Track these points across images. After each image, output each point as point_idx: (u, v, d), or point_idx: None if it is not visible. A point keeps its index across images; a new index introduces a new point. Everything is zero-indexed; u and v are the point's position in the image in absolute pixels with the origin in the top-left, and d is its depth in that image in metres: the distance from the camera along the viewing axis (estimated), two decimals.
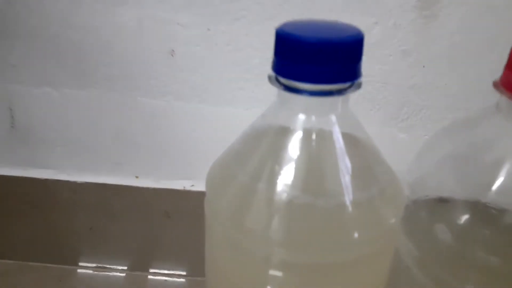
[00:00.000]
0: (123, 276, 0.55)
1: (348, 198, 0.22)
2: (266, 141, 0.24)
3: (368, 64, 0.43)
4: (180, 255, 0.53)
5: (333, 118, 0.23)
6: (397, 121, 0.46)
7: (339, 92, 0.22)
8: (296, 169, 0.23)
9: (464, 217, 0.26)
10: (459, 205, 0.26)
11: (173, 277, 0.55)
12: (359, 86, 0.22)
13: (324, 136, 0.23)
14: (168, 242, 0.53)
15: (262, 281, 0.24)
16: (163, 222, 0.51)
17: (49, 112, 0.48)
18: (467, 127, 0.28)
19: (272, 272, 0.24)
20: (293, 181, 0.22)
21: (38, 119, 0.48)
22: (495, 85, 0.25)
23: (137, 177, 0.51)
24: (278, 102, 0.24)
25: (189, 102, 0.46)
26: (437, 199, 0.27)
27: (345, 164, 0.23)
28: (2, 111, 0.48)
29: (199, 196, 0.50)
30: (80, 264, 0.55)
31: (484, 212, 0.25)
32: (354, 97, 0.23)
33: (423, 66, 0.43)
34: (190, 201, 0.50)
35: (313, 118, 0.23)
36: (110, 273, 0.55)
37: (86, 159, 0.50)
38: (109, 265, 0.55)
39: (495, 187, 0.25)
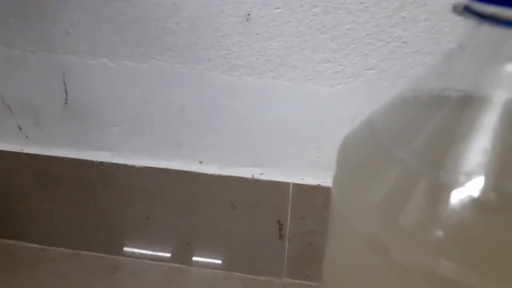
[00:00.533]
0: (179, 268, 0.50)
1: None
2: (444, 111, 0.17)
3: None
4: (243, 251, 0.48)
5: None
6: None
7: None
8: (493, 154, 0.15)
9: None
10: None
11: (232, 273, 0.49)
12: None
13: None
14: (233, 236, 0.47)
15: None
16: (227, 213, 0.46)
17: (105, 87, 0.42)
18: None
19: None
20: (487, 171, 0.15)
21: (94, 95, 0.43)
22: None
23: (200, 162, 0.45)
24: (465, 52, 0.16)
25: (264, 77, 0.39)
26: None
27: None
28: (55, 85, 0.43)
29: (269, 186, 0.44)
30: (135, 255, 0.51)
31: None
32: None
33: None
34: (259, 191, 0.44)
35: None
36: (165, 266, 0.50)
37: (145, 140, 0.45)
38: (166, 258, 0.50)
39: None
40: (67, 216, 0.50)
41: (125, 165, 0.45)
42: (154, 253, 0.50)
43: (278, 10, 0.36)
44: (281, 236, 0.46)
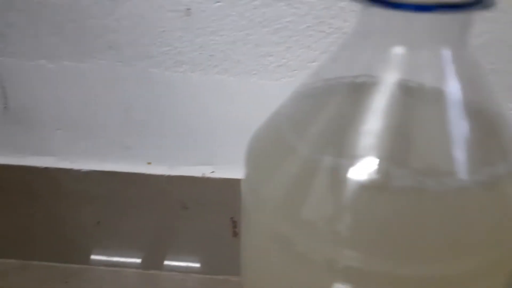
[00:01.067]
0: (136, 273, 0.49)
1: (463, 178, 0.15)
2: (337, 98, 0.17)
3: None
4: (198, 251, 0.47)
5: (447, 56, 0.16)
6: None
7: (462, 7, 0.14)
8: (385, 136, 0.15)
9: None
10: None
11: (190, 274, 0.48)
12: (491, 3, 0.15)
13: (429, 89, 0.16)
14: (185, 237, 0.46)
15: None
16: (179, 214, 0.45)
17: (46, 89, 0.41)
18: None
19: (338, 285, 0.17)
20: (380, 154, 0.15)
21: (35, 98, 0.42)
22: None
23: (149, 163, 0.44)
24: (356, 37, 0.16)
25: (208, 73, 0.39)
26: None
27: (459, 130, 0.15)
28: None
29: (220, 183, 0.43)
30: (88, 262, 0.49)
31: None
32: None
33: None
34: (210, 190, 0.43)
35: (415, 57, 0.16)
36: (121, 271, 0.49)
37: (90, 143, 0.43)
38: (120, 262, 0.48)
39: None
40: (13, 225, 0.48)
41: (71, 170, 0.44)
42: (107, 258, 0.49)
43: (219, 4, 0.36)
44: (235, 234, 0.45)
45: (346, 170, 0.15)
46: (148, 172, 0.43)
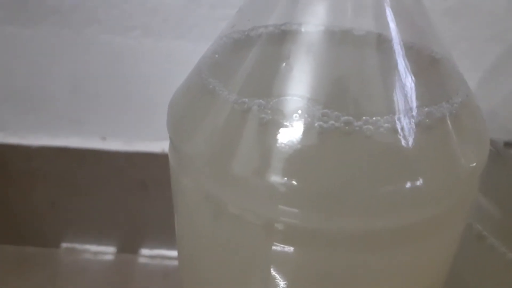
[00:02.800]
0: (93, 256, 0.47)
1: (412, 119, 0.13)
2: (262, 46, 0.15)
3: None
4: (161, 234, 0.45)
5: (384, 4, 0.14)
6: None
7: None
8: (316, 81, 0.13)
9: None
10: None
11: (155, 259, 0.46)
12: None
13: (364, 35, 0.14)
14: (146, 218, 0.44)
15: (261, 264, 0.16)
16: (139, 194, 0.43)
17: None
18: None
19: (278, 248, 0.15)
20: (320, 97, 0.13)
21: None
22: None
23: (104, 138, 0.42)
24: None
25: (163, 39, 0.36)
26: None
27: (400, 73, 0.14)
28: None
29: None
30: (43, 244, 0.47)
31: None
32: None
33: None
34: None
35: (345, 5, 0.14)
36: (78, 254, 0.47)
37: (40, 117, 0.41)
38: (76, 246, 0.47)
39: None
40: None
41: (20, 146, 0.41)
42: (64, 245, 0.47)
43: None
44: None
45: (276, 116, 0.13)
46: (102, 148, 0.41)
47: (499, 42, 0.34)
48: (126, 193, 0.43)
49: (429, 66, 0.15)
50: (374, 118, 0.13)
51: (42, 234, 0.46)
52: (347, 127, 0.13)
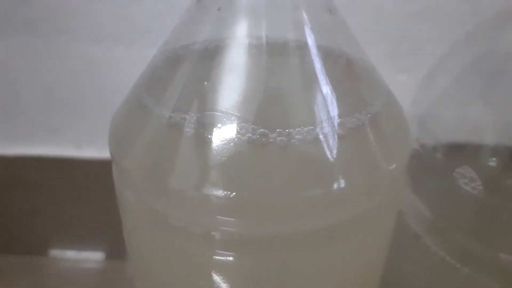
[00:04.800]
0: (78, 264, 0.48)
1: (326, 130, 0.15)
2: (192, 60, 0.16)
3: None
4: None
5: (300, 16, 0.15)
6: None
7: None
8: (241, 93, 0.15)
9: (496, 161, 0.18)
10: (487, 148, 0.19)
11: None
12: None
13: (286, 45, 0.16)
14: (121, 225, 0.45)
15: (203, 271, 0.17)
16: (114, 200, 0.44)
17: None
18: (496, 30, 0.20)
19: (218, 256, 0.16)
20: (237, 110, 0.15)
21: None
22: None
23: (79, 146, 0.43)
24: (201, 3, 0.16)
25: (133, 47, 0.38)
26: (458, 145, 0.20)
27: (317, 84, 0.15)
28: None
29: None
30: (26, 253, 0.48)
31: None
32: None
33: None
34: None
35: (267, 15, 0.15)
36: (63, 262, 0.48)
37: (17, 127, 0.42)
38: (60, 253, 0.48)
39: None
40: None
41: None
42: (45, 254, 0.48)
43: None
44: None
45: (198, 130, 0.15)
46: (78, 156, 0.42)
47: (463, 46, 0.36)
48: (104, 200, 0.45)
49: (349, 73, 0.17)
50: (287, 130, 0.14)
51: (25, 242, 0.48)
52: (263, 139, 0.14)
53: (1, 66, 0.39)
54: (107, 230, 0.47)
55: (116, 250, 0.48)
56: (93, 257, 0.49)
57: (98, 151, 0.43)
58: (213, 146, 0.15)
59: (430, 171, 0.21)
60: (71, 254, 0.49)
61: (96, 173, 0.43)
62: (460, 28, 0.36)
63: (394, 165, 0.16)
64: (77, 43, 0.38)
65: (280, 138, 0.14)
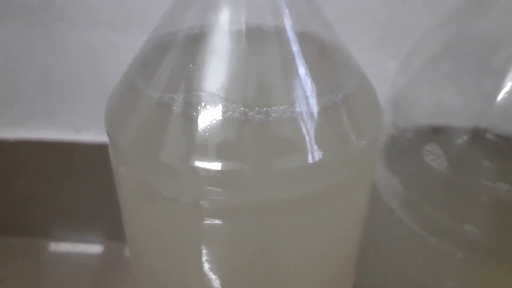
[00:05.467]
0: (78, 247, 0.50)
1: (301, 109, 0.17)
2: (179, 44, 0.18)
3: None
4: None
5: (280, 3, 0.17)
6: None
7: None
8: (225, 74, 0.17)
9: (462, 140, 0.20)
10: (454, 129, 0.20)
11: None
12: None
13: (266, 30, 0.17)
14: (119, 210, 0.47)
15: (194, 238, 0.19)
16: (112, 185, 0.46)
17: None
18: (467, 16, 0.21)
19: (208, 222, 0.18)
20: (222, 89, 0.16)
21: None
22: None
23: (77, 130, 0.45)
24: None
25: (130, 32, 0.39)
26: (428, 126, 0.22)
27: (296, 64, 0.17)
28: None
29: None
30: (25, 235, 0.50)
31: (486, 138, 0.20)
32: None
33: None
34: None
35: (244, 6, 0.17)
36: (62, 244, 0.50)
37: (16, 111, 0.44)
38: (58, 235, 0.50)
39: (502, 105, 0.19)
40: None
41: None
42: (45, 237, 0.50)
43: None
44: None
45: (185, 108, 0.17)
46: (77, 140, 0.44)
47: (382, 47, 0.38)
48: (102, 182, 0.46)
49: (323, 56, 0.18)
50: (264, 109, 0.16)
51: (25, 224, 0.50)
52: (243, 117, 0.16)
53: (0, 52, 0.41)
54: (106, 213, 0.48)
55: (116, 233, 0.50)
56: (92, 239, 0.50)
57: (96, 135, 0.44)
58: (198, 123, 0.16)
59: (402, 149, 0.23)
60: (70, 236, 0.50)
61: (95, 157, 0.45)
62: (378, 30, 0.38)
63: (364, 141, 0.18)
64: (75, 29, 0.40)
65: (258, 116, 0.16)
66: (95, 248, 0.50)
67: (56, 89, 0.43)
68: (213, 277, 0.20)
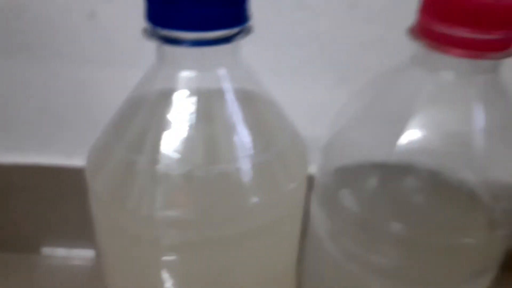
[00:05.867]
0: (72, 262, 0.54)
1: (241, 163, 0.21)
2: (146, 107, 0.22)
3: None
4: None
5: (222, 72, 0.22)
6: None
7: (226, 39, 0.20)
8: (180, 135, 0.21)
9: (370, 181, 0.25)
10: (365, 169, 0.25)
11: None
12: (248, 31, 0.21)
13: (213, 95, 0.22)
14: None
15: (155, 267, 0.23)
16: None
17: None
18: (381, 83, 0.26)
19: (166, 256, 0.23)
20: (177, 150, 0.21)
21: None
22: (411, 32, 0.23)
23: (69, 156, 0.49)
24: (157, 60, 0.22)
25: (116, 69, 0.44)
26: (346, 166, 0.26)
27: (238, 125, 0.21)
28: None
29: None
30: (20, 251, 0.54)
31: (392, 175, 0.24)
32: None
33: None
34: None
35: (198, 74, 0.22)
36: (52, 260, 0.54)
37: (10, 138, 0.48)
38: (50, 251, 0.54)
39: (404, 144, 0.24)
40: None
41: None
42: (42, 249, 0.54)
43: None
44: None
45: (153, 166, 0.21)
46: (68, 164, 0.49)
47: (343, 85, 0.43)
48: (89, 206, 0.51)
49: (261, 116, 0.23)
50: (209, 167, 0.21)
51: (19, 241, 0.54)
52: (192, 173, 0.21)
53: (0, 84, 0.46)
54: (94, 231, 0.53)
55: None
56: (82, 255, 0.54)
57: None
58: (158, 178, 0.21)
59: (327, 191, 0.27)
60: (62, 252, 0.54)
61: (85, 180, 0.49)
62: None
63: (292, 185, 0.23)
64: (68, 65, 0.44)
65: (203, 173, 0.21)
66: (85, 262, 0.54)
67: (50, 118, 0.47)
68: None
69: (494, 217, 0.25)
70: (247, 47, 0.25)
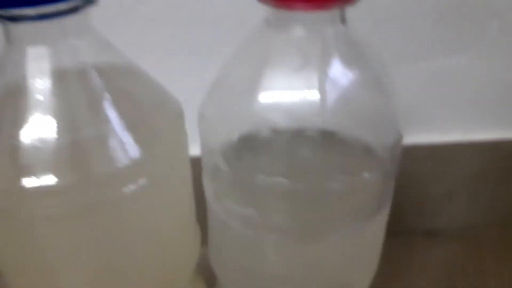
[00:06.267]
0: None
1: (111, 125, 0.23)
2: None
3: None
4: None
5: (75, 45, 0.23)
6: None
7: (71, 11, 0.21)
8: (37, 106, 0.22)
9: (233, 141, 0.27)
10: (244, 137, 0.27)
11: None
12: (94, 1, 0.22)
13: (68, 71, 0.23)
14: None
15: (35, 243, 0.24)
16: None
17: None
18: (242, 52, 0.28)
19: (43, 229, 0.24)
20: (39, 120, 0.22)
21: None
22: None
23: None
24: (5, 44, 0.23)
25: None
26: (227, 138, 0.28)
27: (96, 92, 0.23)
28: None
29: None
30: None
31: (282, 136, 0.26)
32: None
33: None
34: None
35: (49, 49, 0.22)
36: None
37: None
38: None
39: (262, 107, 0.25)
40: None
41: None
42: None
43: None
44: None
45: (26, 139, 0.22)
46: None
47: None
48: None
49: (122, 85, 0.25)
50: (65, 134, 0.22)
51: None
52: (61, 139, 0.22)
53: None
54: None
55: None
56: None
57: None
58: (26, 149, 0.22)
59: (209, 164, 0.29)
60: None
61: None
62: None
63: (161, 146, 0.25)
64: None
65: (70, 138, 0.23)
66: None
67: None
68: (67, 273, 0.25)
69: (385, 165, 0.27)
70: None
